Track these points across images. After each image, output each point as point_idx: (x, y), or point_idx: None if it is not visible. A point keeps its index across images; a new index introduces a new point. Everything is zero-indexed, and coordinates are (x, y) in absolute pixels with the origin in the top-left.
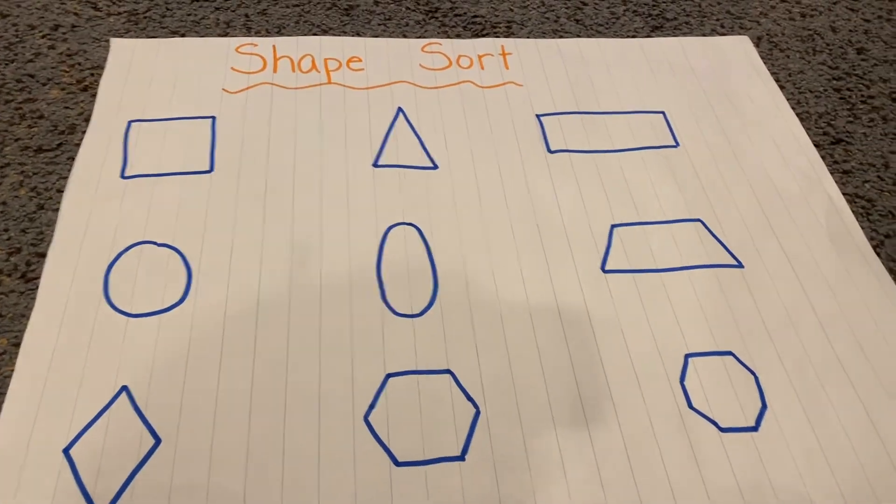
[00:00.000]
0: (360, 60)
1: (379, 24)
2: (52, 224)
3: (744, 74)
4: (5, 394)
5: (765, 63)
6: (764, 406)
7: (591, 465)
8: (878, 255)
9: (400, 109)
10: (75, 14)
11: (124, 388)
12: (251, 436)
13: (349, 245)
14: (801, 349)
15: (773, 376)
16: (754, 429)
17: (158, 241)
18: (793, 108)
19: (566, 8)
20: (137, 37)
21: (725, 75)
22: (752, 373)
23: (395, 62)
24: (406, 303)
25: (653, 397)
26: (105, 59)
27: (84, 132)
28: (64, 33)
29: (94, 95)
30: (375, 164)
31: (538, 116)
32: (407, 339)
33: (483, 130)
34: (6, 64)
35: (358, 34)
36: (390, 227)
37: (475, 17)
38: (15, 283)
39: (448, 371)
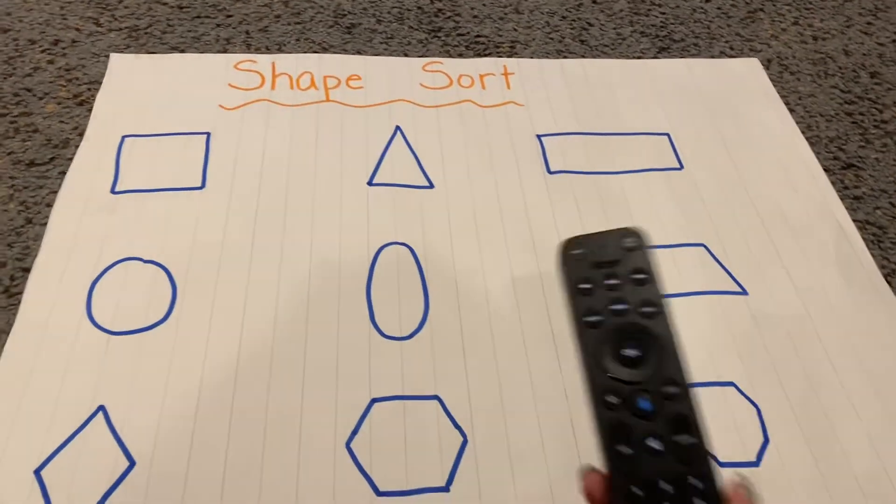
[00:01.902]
0: (360, 78)
1: (381, 43)
2: (39, 238)
3: (753, 97)
4: None
5: (775, 86)
6: (766, 440)
7: (584, 501)
8: (889, 283)
9: (398, 128)
10: (76, 29)
11: (101, 408)
12: (228, 461)
13: (339, 264)
14: (805, 381)
15: (775, 409)
16: (755, 464)
17: (145, 258)
18: (803, 132)
19: (571, 28)
20: (137, 52)
21: (734, 98)
22: (754, 405)
23: (396, 81)
24: (395, 325)
25: None
26: (103, 75)
27: (77, 147)
28: (64, 48)
29: (89, 110)
30: (370, 183)
31: (539, 137)
32: (394, 363)
33: (482, 150)
34: (4, 78)
35: (359, 52)
36: (382, 247)
37: (479, 36)
38: None
39: (436, 397)
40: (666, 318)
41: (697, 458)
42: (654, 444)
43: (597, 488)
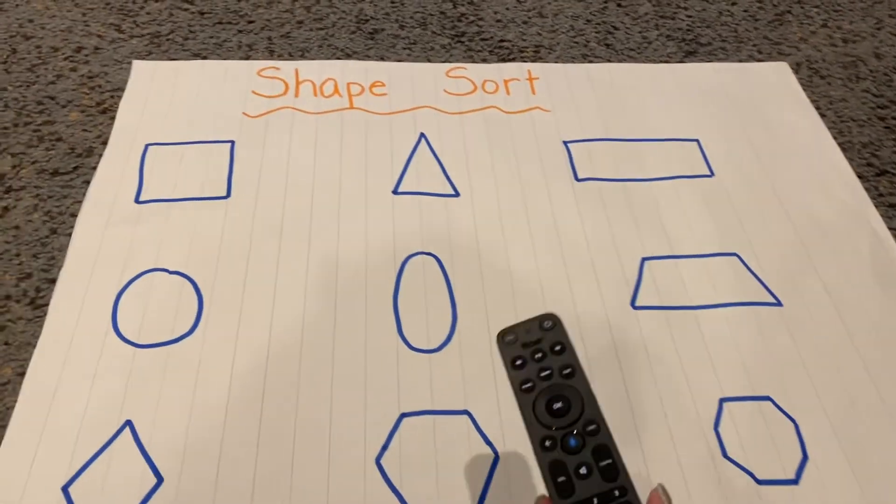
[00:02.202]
0: (384, 85)
1: (404, 49)
2: (64, 249)
3: (782, 102)
4: (6, 426)
5: (804, 90)
6: (805, 457)
7: None
8: None
9: (422, 135)
10: (99, 36)
11: (128, 423)
12: (257, 478)
13: (366, 275)
14: (844, 394)
15: (814, 424)
16: (794, 482)
17: (170, 269)
18: (834, 138)
19: (596, 32)
20: (159, 59)
21: (763, 103)
22: (792, 420)
23: (419, 87)
24: (423, 337)
25: (684, 444)
26: (126, 82)
27: (101, 155)
28: (86, 55)
29: (113, 118)
30: (395, 192)
31: (565, 143)
32: (423, 376)
33: (507, 157)
34: (28, 86)
35: (382, 58)
36: (409, 257)
37: (502, 41)
38: (23, 309)
39: (466, 412)
40: (582, 374)
41: (618, 475)
42: (583, 470)
43: None
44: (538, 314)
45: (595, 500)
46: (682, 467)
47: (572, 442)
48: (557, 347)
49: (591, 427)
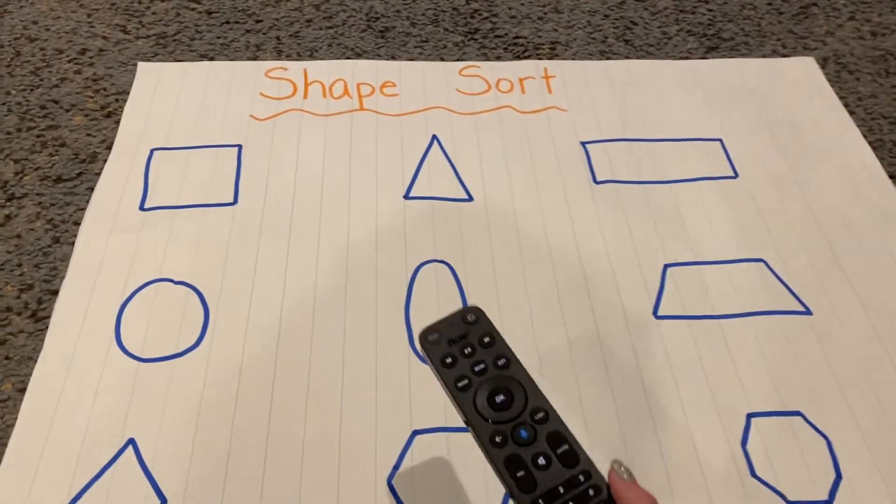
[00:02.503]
0: (395, 85)
1: (415, 47)
2: (66, 259)
3: (809, 99)
4: (6, 444)
5: (832, 86)
6: (838, 475)
7: None
8: None
9: (434, 137)
10: (104, 38)
11: (131, 441)
12: (264, 497)
13: (377, 284)
14: (878, 408)
15: (847, 440)
16: (828, 502)
17: (175, 279)
18: (864, 136)
19: (614, 28)
20: (165, 60)
21: (788, 100)
22: (824, 436)
23: (431, 87)
24: None
25: (710, 462)
26: (131, 84)
27: (105, 161)
28: (91, 57)
29: (117, 122)
30: (407, 196)
31: (583, 144)
32: (436, 391)
33: (523, 159)
34: (31, 90)
35: (393, 57)
36: (421, 265)
37: (517, 37)
38: (24, 322)
39: None
40: (517, 363)
41: (578, 459)
42: (541, 460)
43: None
44: (459, 309)
45: (561, 489)
46: (707, 486)
47: (523, 433)
48: (486, 339)
49: (540, 415)
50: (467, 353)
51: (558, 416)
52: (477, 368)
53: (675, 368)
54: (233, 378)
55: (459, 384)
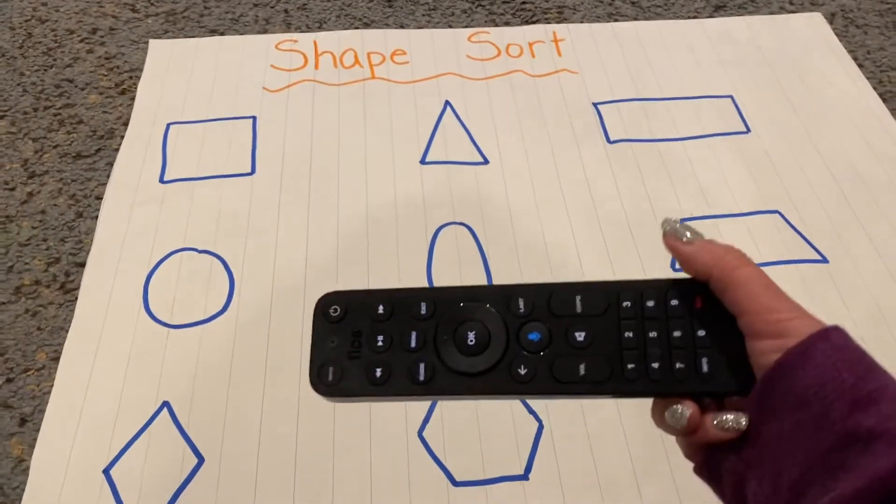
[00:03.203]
0: (405, 53)
1: (423, 15)
2: (91, 232)
3: (818, 54)
4: (44, 411)
5: (840, 40)
6: None
7: (668, 484)
8: None
9: (447, 103)
10: (113, 17)
11: (165, 404)
12: (298, 453)
13: (398, 247)
14: None
15: None
16: None
17: (199, 248)
18: (874, 88)
19: None
20: (175, 37)
21: (798, 55)
22: None
23: (441, 54)
24: None
25: None
26: (143, 62)
27: (123, 137)
28: (102, 37)
29: (132, 99)
30: (423, 161)
31: (595, 105)
32: None
33: (536, 122)
34: (45, 70)
35: (402, 26)
36: (440, 228)
37: (524, 3)
38: (54, 294)
39: None
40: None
41: (606, 297)
42: (579, 336)
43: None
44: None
45: (626, 342)
46: None
47: (533, 336)
48: (381, 312)
49: (521, 309)
50: (387, 344)
51: (540, 286)
52: (413, 344)
53: None
54: (261, 341)
55: (421, 379)
